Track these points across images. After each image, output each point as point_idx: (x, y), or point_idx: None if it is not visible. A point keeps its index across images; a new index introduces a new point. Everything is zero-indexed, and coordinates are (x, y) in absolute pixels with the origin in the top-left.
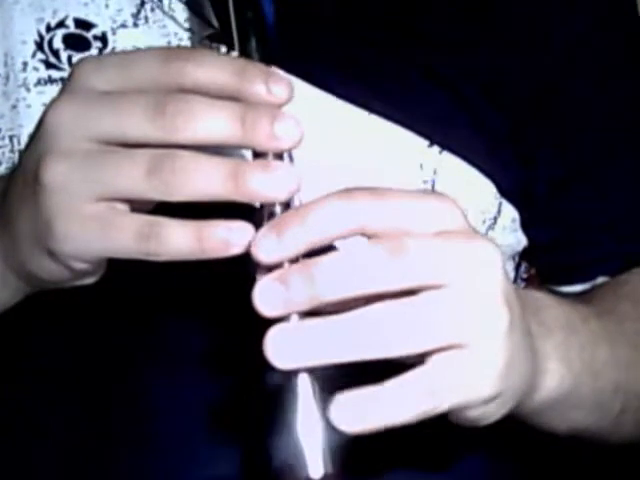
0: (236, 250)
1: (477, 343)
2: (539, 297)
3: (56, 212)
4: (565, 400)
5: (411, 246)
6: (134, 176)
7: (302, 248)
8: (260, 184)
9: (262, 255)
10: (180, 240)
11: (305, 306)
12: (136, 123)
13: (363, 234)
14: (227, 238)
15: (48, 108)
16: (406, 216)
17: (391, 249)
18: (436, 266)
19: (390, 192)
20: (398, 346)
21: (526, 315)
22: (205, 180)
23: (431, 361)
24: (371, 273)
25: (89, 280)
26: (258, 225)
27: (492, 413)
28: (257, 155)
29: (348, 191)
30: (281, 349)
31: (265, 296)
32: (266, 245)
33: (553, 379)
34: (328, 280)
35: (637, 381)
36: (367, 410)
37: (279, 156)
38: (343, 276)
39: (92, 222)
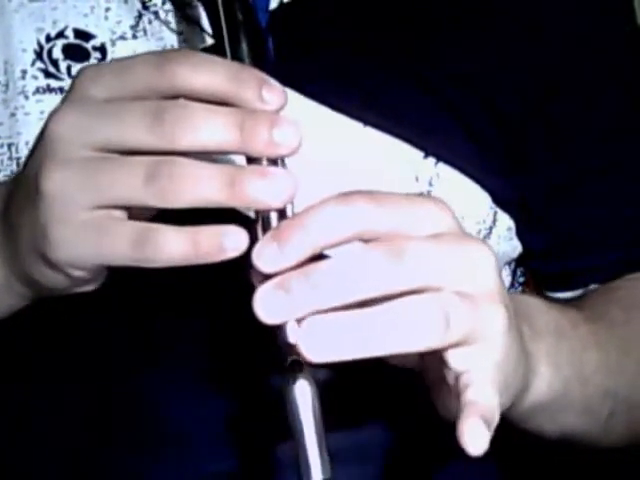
0: (230, 254)
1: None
2: (530, 303)
3: (52, 219)
4: (554, 404)
5: (409, 249)
6: (132, 183)
7: (303, 255)
8: (258, 191)
9: (263, 264)
10: (175, 245)
11: (306, 312)
12: (135, 131)
13: (361, 238)
14: (221, 243)
15: (49, 117)
16: (402, 219)
17: (389, 253)
18: (434, 269)
19: (385, 195)
20: (394, 344)
21: (517, 319)
22: (203, 187)
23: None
24: (370, 278)
25: (89, 287)
26: (254, 232)
27: None
28: (250, 159)
29: (346, 195)
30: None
31: (266, 303)
32: (267, 254)
33: (543, 382)
34: (329, 286)
35: (626, 386)
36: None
37: (273, 161)
38: (343, 282)
39: (87, 230)
